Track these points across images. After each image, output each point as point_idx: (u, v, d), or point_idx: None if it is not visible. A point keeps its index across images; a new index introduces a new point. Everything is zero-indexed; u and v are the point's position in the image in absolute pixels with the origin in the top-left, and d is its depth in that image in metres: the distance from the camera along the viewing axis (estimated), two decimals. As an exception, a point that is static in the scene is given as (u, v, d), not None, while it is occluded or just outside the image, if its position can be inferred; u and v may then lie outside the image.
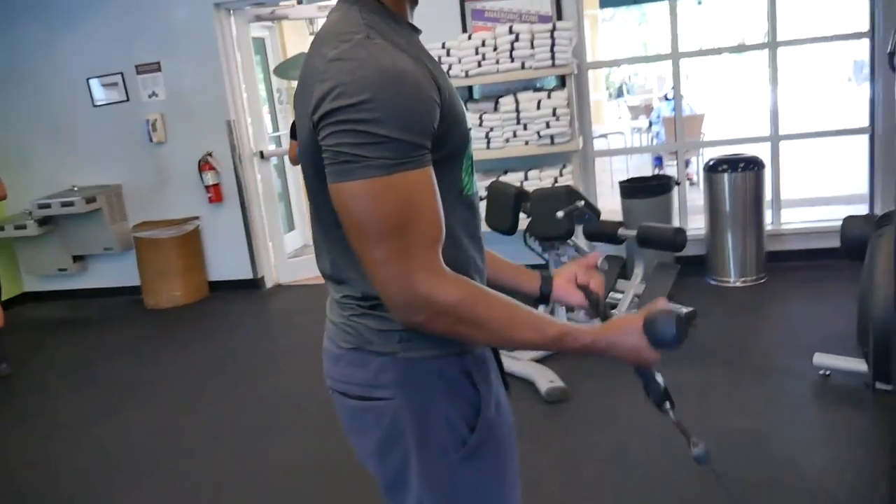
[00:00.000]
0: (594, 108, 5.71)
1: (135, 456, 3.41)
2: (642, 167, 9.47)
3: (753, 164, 4.67)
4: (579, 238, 4.10)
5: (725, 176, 4.67)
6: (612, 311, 3.97)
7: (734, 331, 4.07)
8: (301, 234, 6.91)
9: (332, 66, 1.03)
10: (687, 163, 8.10)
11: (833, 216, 5.42)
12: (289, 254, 6.31)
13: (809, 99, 15.54)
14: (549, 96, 4.67)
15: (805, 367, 3.37)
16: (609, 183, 8.26)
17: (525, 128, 4.72)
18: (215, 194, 5.76)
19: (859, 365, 3.17)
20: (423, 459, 1.19)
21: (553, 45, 4.58)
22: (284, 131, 6.74)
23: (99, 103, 5.88)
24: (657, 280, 4.22)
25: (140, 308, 5.82)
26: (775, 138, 5.06)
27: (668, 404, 1.28)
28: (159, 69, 5.71)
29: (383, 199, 1.01)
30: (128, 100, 5.81)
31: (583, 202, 3.62)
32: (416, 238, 1.03)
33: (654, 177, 5.46)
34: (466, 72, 4.73)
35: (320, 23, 6.15)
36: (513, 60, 4.66)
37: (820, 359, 3.32)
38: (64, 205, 5.64)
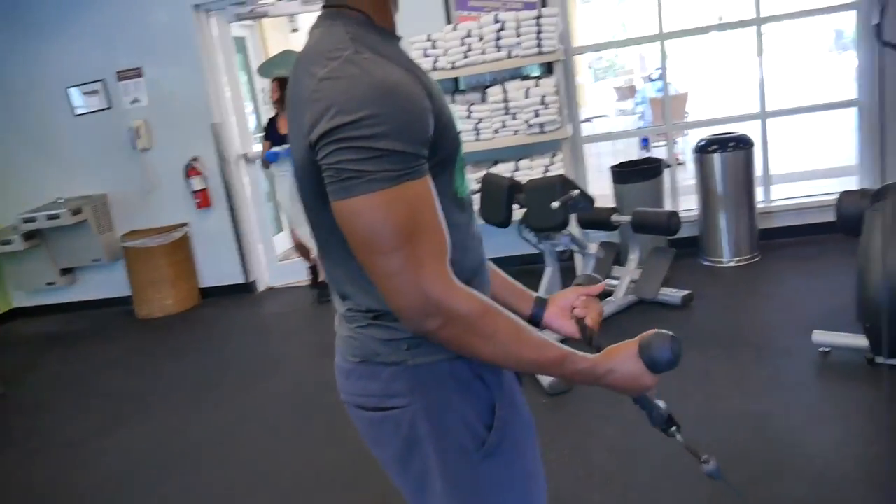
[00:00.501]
0: (578, 92, 5.68)
1: (139, 472, 3.37)
2: (629, 149, 9.48)
3: (743, 143, 4.66)
4: (573, 227, 4.08)
5: (716, 156, 4.65)
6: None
7: (731, 311, 4.07)
8: (289, 237, 6.85)
9: (323, 85, 1.02)
10: (673, 143, 8.10)
11: (823, 190, 5.43)
12: (279, 256, 6.26)
13: (792, 71, 15.56)
14: (537, 84, 4.63)
15: (804, 345, 3.37)
16: (596, 167, 8.24)
17: (514, 117, 4.68)
18: (203, 199, 5.70)
19: (859, 340, 3.17)
20: (444, 462, 1.19)
21: (539, 31, 4.54)
22: (269, 131, 6.66)
23: (80, 112, 5.80)
24: (653, 264, 4.21)
25: (132, 318, 5.77)
26: (763, 115, 5.05)
27: (674, 429, 1.28)
28: (141, 75, 5.63)
29: (389, 211, 1.00)
30: (110, 107, 5.73)
31: (577, 191, 3.60)
32: (426, 247, 1.03)
33: (645, 160, 5.43)
34: (453, 63, 4.69)
35: (302, 19, 6.06)
36: (499, 49, 4.61)
37: (819, 336, 3.32)
38: (49, 217, 5.58)
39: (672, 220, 3.87)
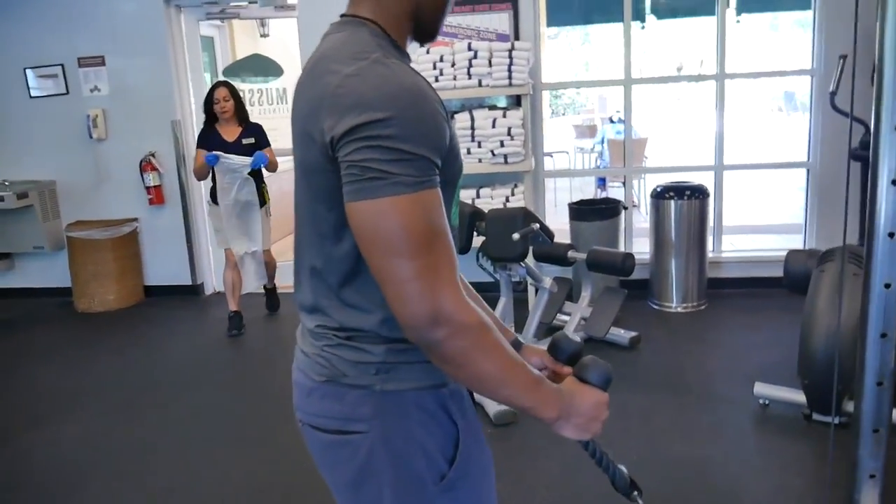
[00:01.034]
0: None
1: (62, 471, 3.24)
2: (585, 187, 9.64)
3: (699, 193, 4.79)
4: (530, 259, 4.11)
5: (672, 203, 4.77)
6: None
7: (676, 356, 4.15)
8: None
9: (351, 80, 1.02)
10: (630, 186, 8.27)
11: (770, 246, 5.62)
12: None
13: (743, 128, 16.09)
14: (504, 115, 4.69)
15: (745, 396, 3.46)
16: (553, 202, 8.36)
17: (479, 145, 4.72)
18: (156, 196, 5.58)
19: (797, 396, 3.27)
20: (399, 493, 1.17)
21: (511, 64, 4.61)
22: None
23: (36, 94, 5.63)
24: (604, 304, 4.27)
25: (70, 311, 5.59)
26: (720, 167, 5.21)
27: (636, 493, 1.29)
28: (103, 63, 5.51)
29: (412, 216, 0.99)
30: (67, 93, 5.59)
31: (538, 225, 3.64)
32: (442, 257, 1.02)
33: (603, 200, 5.54)
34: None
35: (272, 24, 5.98)
36: (470, 77, 4.66)
37: (760, 388, 3.41)
38: (-7, 199, 5.38)
39: (627, 262, 3.94)
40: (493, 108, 4.84)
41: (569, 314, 4.42)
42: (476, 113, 4.73)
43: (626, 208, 5.12)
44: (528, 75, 4.74)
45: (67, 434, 3.59)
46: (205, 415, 3.73)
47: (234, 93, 4.69)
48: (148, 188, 5.56)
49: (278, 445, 3.31)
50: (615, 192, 8.35)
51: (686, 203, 4.76)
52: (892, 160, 1.29)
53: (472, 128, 4.72)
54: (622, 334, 4.23)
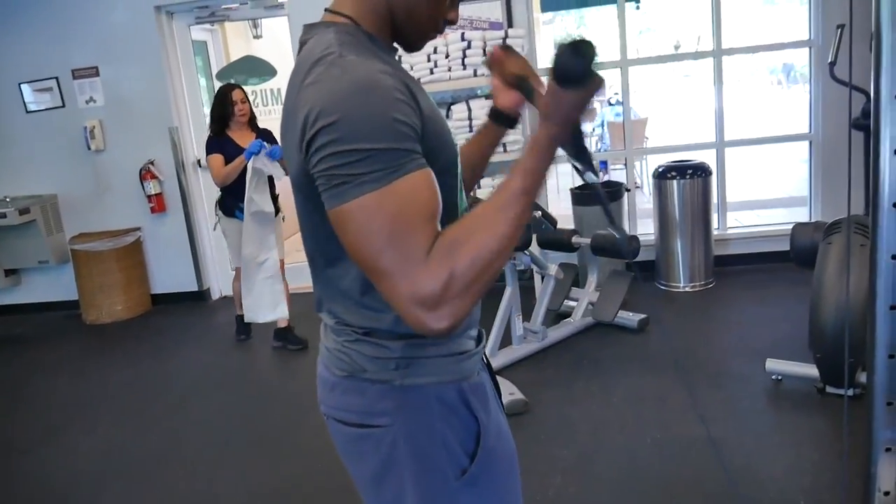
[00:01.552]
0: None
1: (78, 483, 3.25)
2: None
3: (701, 171, 4.76)
4: (534, 247, 4.10)
5: (674, 183, 4.74)
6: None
7: (686, 337, 4.13)
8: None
9: (308, 90, 1.02)
10: (632, 167, 8.23)
11: (776, 220, 5.59)
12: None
13: (743, 102, 15.99)
14: (500, 104, 4.65)
15: (757, 372, 3.44)
16: (555, 187, 8.32)
17: (477, 136, 4.69)
18: (158, 204, 5.58)
19: (810, 370, 3.25)
20: (421, 487, 1.17)
21: (505, 52, 4.57)
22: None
23: (32, 109, 5.63)
24: (611, 287, 4.25)
25: (79, 323, 5.60)
26: (721, 144, 5.17)
27: (589, 174, 1.14)
28: (97, 74, 5.50)
29: (378, 213, 0.97)
30: (63, 106, 5.58)
31: (540, 212, 3.62)
32: (411, 235, 0.97)
33: (605, 183, 5.51)
34: (419, 79, 4.67)
35: (265, 24, 5.93)
36: (465, 68, 4.64)
37: (772, 364, 3.39)
38: (-5, 217, 5.39)
39: (632, 245, 3.92)
40: (489, 97, 4.80)
41: (576, 300, 4.40)
42: (473, 103, 4.70)
43: (628, 190, 5.09)
44: (524, 62, 4.70)
45: (82, 445, 3.60)
46: (217, 420, 3.74)
47: (247, 95, 4.51)
48: (149, 196, 5.56)
49: (292, 449, 3.31)
50: (617, 174, 8.31)
51: (689, 182, 4.73)
52: (893, 130, 1.27)
53: (470, 118, 4.69)
54: (631, 317, 4.21)
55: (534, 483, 2.83)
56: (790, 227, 3.69)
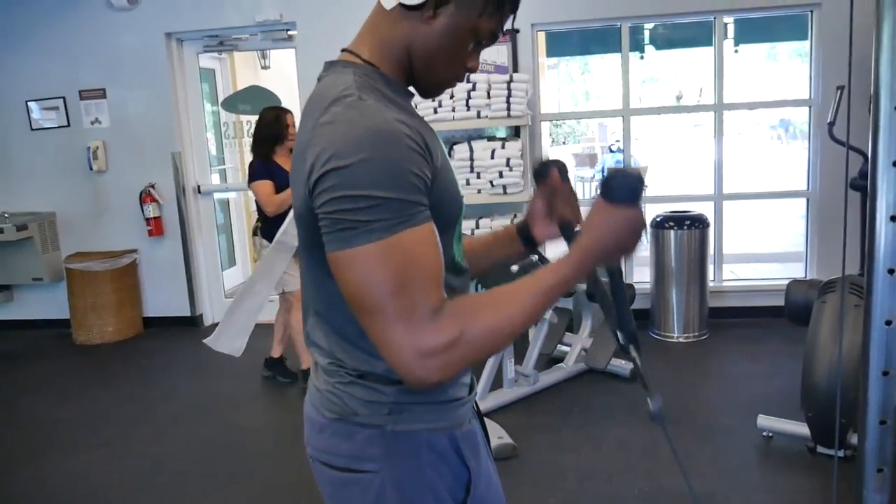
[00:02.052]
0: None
1: (58, 506, 3.20)
2: (584, 216, 9.63)
3: (699, 223, 4.78)
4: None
5: (672, 233, 4.76)
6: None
7: (678, 388, 4.11)
8: (242, 271, 6.74)
9: (323, 129, 1.01)
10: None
11: (771, 274, 5.60)
12: (229, 290, 6.13)
13: (743, 155, 16.14)
14: (503, 146, 4.70)
15: (748, 428, 3.41)
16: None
17: (478, 176, 4.73)
18: (156, 227, 5.58)
19: (801, 428, 3.22)
20: None
21: (509, 96, 4.63)
22: (231, 165, 6.60)
23: (37, 127, 5.66)
24: (605, 334, 4.24)
25: (69, 343, 5.56)
26: (719, 197, 5.20)
27: (633, 349, 1.18)
28: (104, 96, 5.55)
29: (384, 262, 0.97)
30: (69, 125, 5.62)
31: (537, 256, 3.62)
32: (419, 292, 0.98)
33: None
34: (428, 122, 4.72)
35: (273, 55, 5.95)
36: (469, 109, 4.69)
37: (763, 421, 3.36)
38: (-7, 231, 5.38)
39: (627, 293, 3.91)
40: (491, 139, 4.86)
41: (569, 345, 4.39)
42: (475, 144, 4.74)
43: (625, 238, 5.10)
44: (527, 106, 4.76)
45: (64, 467, 3.55)
46: (201, 449, 3.69)
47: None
48: (147, 219, 5.56)
49: (274, 483, 3.26)
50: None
51: (686, 233, 4.75)
52: (890, 196, 1.28)
53: (472, 159, 4.73)
54: (623, 365, 4.19)
55: (518, 530, 2.79)
56: (786, 282, 3.70)
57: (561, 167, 1.30)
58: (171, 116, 5.51)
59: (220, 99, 6.40)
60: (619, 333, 1.16)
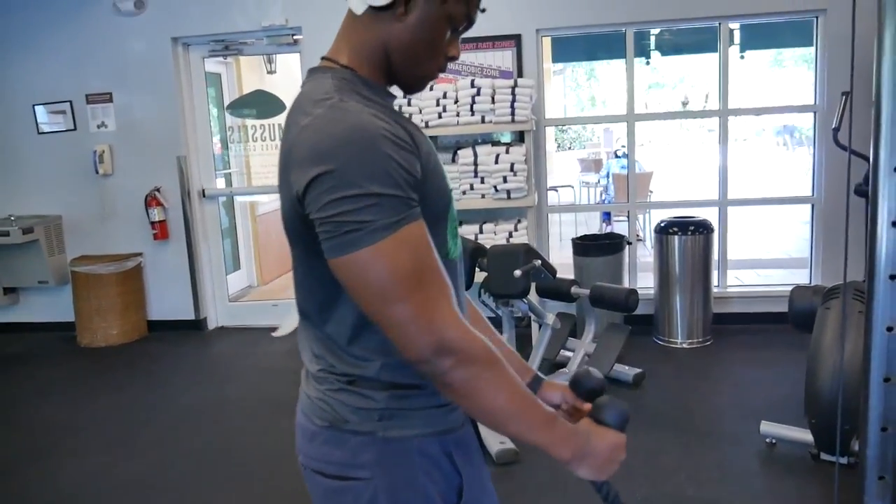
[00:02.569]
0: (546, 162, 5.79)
1: (60, 509, 3.20)
2: (590, 220, 9.64)
3: (703, 228, 4.77)
4: (532, 294, 4.09)
5: (675, 238, 4.75)
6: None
7: (681, 394, 4.10)
8: (247, 275, 6.76)
9: (306, 133, 1.01)
10: (634, 220, 8.26)
11: (776, 280, 5.59)
12: (232, 295, 6.14)
13: (748, 161, 16.12)
14: (507, 151, 4.70)
15: (751, 434, 3.41)
16: (558, 235, 8.35)
17: (482, 181, 4.73)
18: (161, 231, 5.60)
19: (805, 435, 3.21)
20: None
21: (514, 101, 4.64)
22: (236, 169, 6.62)
23: (44, 130, 5.69)
24: (608, 340, 4.23)
25: (73, 346, 5.57)
26: (723, 202, 5.20)
27: None
28: (110, 100, 5.57)
29: (397, 258, 0.97)
30: (75, 129, 5.64)
31: (540, 261, 3.62)
32: (435, 288, 1.00)
33: (607, 235, 5.54)
34: (427, 122, 4.74)
35: (279, 60, 5.98)
36: (473, 114, 4.69)
37: (767, 427, 3.35)
38: (-1, 234, 5.41)
39: (630, 298, 3.91)
40: (495, 143, 4.86)
41: (572, 350, 4.38)
42: (479, 149, 4.74)
43: (629, 243, 5.10)
44: (531, 112, 4.76)
45: (67, 469, 3.56)
46: (203, 452, 3.69)
47: None
48: (153, 223, 5.58)
49: (278, 486, 3.26)
50: (621, 226, 8.34)
51: (690, 238, 4.74)
52: (891, 201, 1.28)
53: (476, 163, 4.73)
54: (626, 371, 4.18)
55: (520, 536, 2.79)
56: (790, 288, 3.68)
57: (598, 390, 1.29)
58: (177, 120, 5.53)
59: (227, 103, 6.42)
60: None
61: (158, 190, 5.58)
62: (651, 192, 9.05)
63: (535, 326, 4.55)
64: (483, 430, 3.46)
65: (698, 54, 7.83)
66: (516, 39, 5.03)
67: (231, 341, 5.61)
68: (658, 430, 3.59)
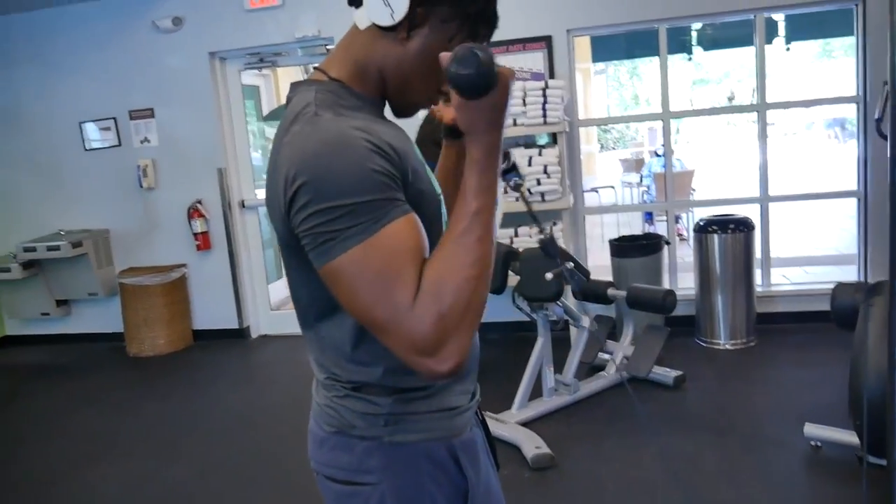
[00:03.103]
0: (586, 161, 5.74)
1: (106, 516, 3.29)
2: (633, 221, 9.52)
3: (743, 226, 4.67)
4: (568, 298, 4.06)
5: (715, 237, 4.66)
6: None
7: (723, 396, 4.01)
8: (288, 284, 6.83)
9: (285, 149, 1.03)
10: (677, 218, 8.13)
11: (826, 277, 5.43)
12: (274, 303, 6.22)
13: (796, 155, 15.72)
14: (540, 153, 4.68)
15: (796, 437, 3.31)
16: (600, 237, 8.27)
17: (516, 184, 4.70)
18: (203, 242, 5.71)
19: (850, 437, 3.11)
20: None
21: (545, 102, 4.61)
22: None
23: (90, 147, 5.87)
24: (646, 342, 4.17)
25: (122, 355, 5.72)
26: (765, 199, 5.08)
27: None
28: (152, 115, 5.72)
29: (367, 264, 0.97)
30: (119, 144, 5.80)
31: (572, 264, 3.59)
32: (398, 285, 0.97)
33: (645, 235, 5.46)
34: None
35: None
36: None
37: (811, 429, 3.26)
38: (49, 248, 5.59)
39: (668, 299, 3.85)
40: (528, 146, 4.83)
41: (611, 353, 4.33)
42: (513, 151, 4.72)
43: (668, 243, 5.02)
44: (564, 113, 4.73)
45: (112, 476, 3.66)
46: (245, 458, 3.75)
47: None
48: (195, 234, 5.71)
49: (319, 494, 3.29)
50: (663, 226, 8.21)
51: (730, 237, 4.64)
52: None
53: (509, 167, 4.70)
54: (666, 373, 4.11)
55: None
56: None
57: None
58: (216, 133, 5.64)
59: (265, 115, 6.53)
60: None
61: (200, 202, 5.70)
62: (693, 190, 8.88)
63: (572, 329, 4.50)
64: (519, 434, 3.45)
65: (742, 48, 7.67)
66: (547, 41, 5.00)
67: (274, 349, 5.69)
68: (698, 433, 3.52)
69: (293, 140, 1.03)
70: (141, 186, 5.76)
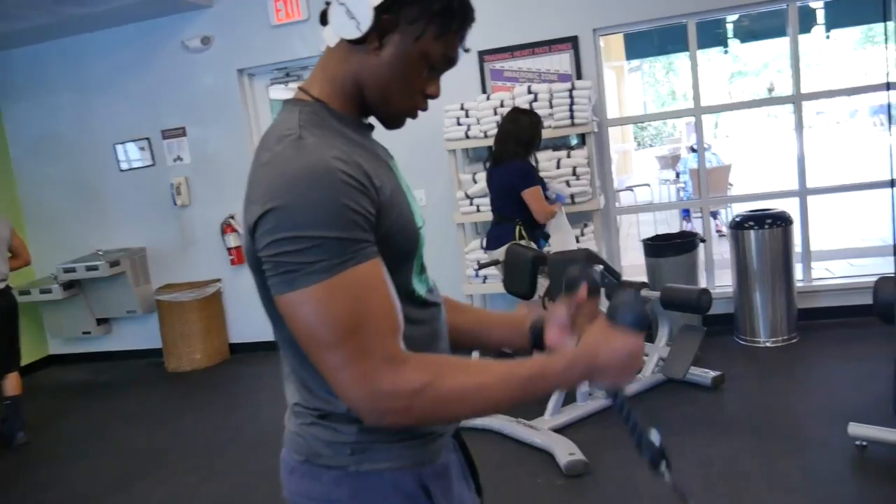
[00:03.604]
0: (622, 159, 5.65)
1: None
2: (671, 219, 9.37)
3: (781, 220, 4.55)
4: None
5: (752, 233, 4.54)
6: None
7: (765, 396, 3.90)
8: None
9: (263, 170, 1.02)
10: (715, 214, 7.98)
11: (869, 270, 5.25)
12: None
13: (839, 144, 15.32)
14: (568, 155, 4.62)
15: (840, 437, 3.19)
16: (636, 236, 8.14)
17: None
18: (237, 257, 5.77)
19: (897, 436, 2.99)
20: None
21: (572, 104, 4.55)
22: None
23: (125, 167, 5.98)
24: (683, 342, 4.08)
25: (161, 371, 5.81)
26: (803, 192, 4.94)
27: (664, 465, 1.15)
28: (184, 133, 5.81)
29: (331, 303, 0.96)
30: (153, 164, 5.91)
31: (601, 266, 3.52)
32: (371, 335, 0.98)
33: (679, 234, 5.35)
34: (485, 132, 4.71)
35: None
36: (531, 120, 4.62)
37: (856, 429, 3.14)
38: (88, 269, 5.70)
39: (703, 298, 3.76)
40: (556, 148, 4.78)
41: (646, 355, 4.24)
42: (540, 155, 4.67)
43: (703, 241, 4.91)
44: (592, 113, 4.66)
45: (152, 491, 3.70)
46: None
47: None
48: (229, 249, 5.77)
49: None
50: (700, 223, 8.05)
51: (767, 232, 4.52)
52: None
53: (537, 170, 4.65)
54: (704, 374, 4.01)
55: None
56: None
57: (592, 283, 1.27)
58: (247, 149, 5.69)
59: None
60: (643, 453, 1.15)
61: (233, 217, 5.76)
62: (731, 185, 8.71)
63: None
64: (552, 441, 3.40)
65: (780, 38, 7.50)
66: (573, 41, 4.94)
67: (309, 360, 5.71)
68: (738, 435, 3.43)
69: (273, 160, 1.01)
70: (175, 204, 5.85)
